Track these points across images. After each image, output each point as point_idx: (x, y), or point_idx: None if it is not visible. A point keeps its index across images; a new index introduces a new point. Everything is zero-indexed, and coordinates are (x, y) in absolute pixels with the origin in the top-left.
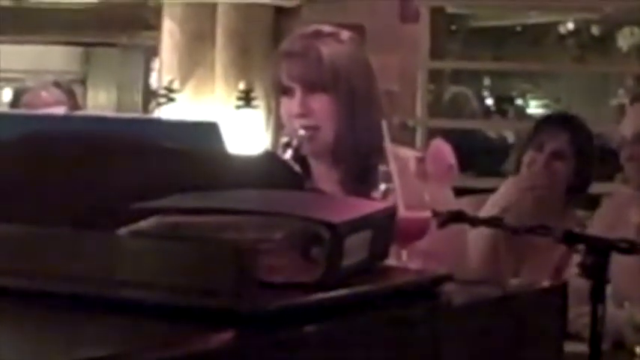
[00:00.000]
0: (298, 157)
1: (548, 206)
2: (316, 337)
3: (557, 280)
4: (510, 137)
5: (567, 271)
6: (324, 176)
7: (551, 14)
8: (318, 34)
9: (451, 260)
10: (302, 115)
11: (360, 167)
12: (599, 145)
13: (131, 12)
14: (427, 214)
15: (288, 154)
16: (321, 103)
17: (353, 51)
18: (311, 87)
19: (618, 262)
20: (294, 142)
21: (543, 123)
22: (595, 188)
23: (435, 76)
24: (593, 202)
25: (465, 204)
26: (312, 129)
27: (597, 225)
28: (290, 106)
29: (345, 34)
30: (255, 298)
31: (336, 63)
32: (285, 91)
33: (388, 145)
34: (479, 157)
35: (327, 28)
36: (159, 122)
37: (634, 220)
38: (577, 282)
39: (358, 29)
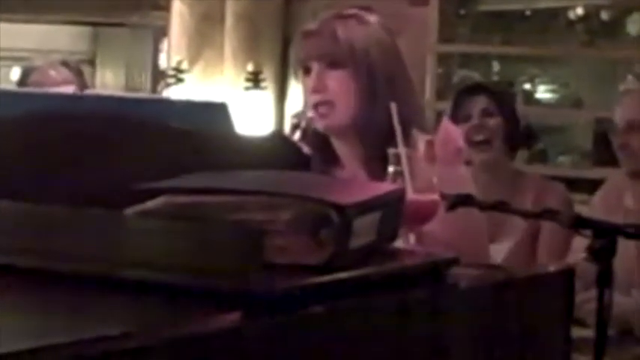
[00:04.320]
0: (320, 138)
1: None
2: (324, 319)
3: (533, 246)
4: None
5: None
6: (348, 157)
7: None
8: (338, 15)
9: (461, 243)
10: (316, 91)
11: (384, 148)
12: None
13: None
14: (435, 197)
15: (296, 136)
16: (336, 79)
17: (375, 32)
18: (327, 63)
19: (621, 248)
20: (303, 124)
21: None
22: (600, 173)
23: (443, 59)
24: (596, 187)
25: None
26: (326, 104)
27: (594, 209)
28: (307, 82)
29: (371, 17)
30: (262, 279)
31: (352, 40)
32: (306, 71)
33: (397, 128)
34: None
35: (350, 10)
36: (167, 102)
37: (627, 204)
38: (584, 267)
39: (366, 11)
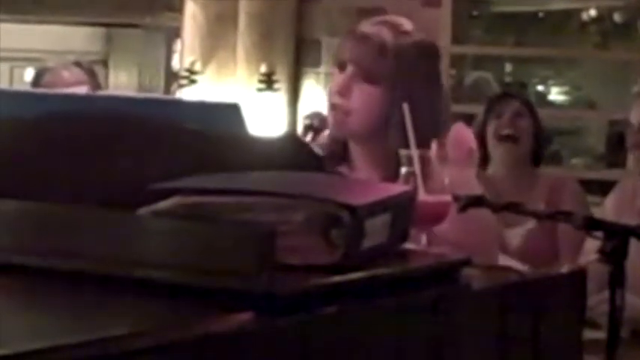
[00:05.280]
0: (336, 141)
1: None
2: (335, 320)
3: (550, 230)
4: None
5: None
6: (362, 160)
7: (574, 1)
8: (394, 26)
9: (473, 244)
10: (340, 93)
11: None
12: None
13: None
14: (447, 198)
15: (309, 137)
16: (365, 93)
17: (422, 52)
18: (363, 73)
19: (633, 250)
20: (315, 124)
21: None
22: (613, 175)
23: (456, 61)
24: (608, 188)
25: None
26: (343, 111)
27: (606, 211)
28: (336, 79)
29: (419, 35)
30: (273, 279)
31: (399, 56)
32: (340, 66)
33: (410, 129)
34: None
35: (405, 25)
36: (180, 103)
37: (639, 205)
38: (596, 268)
39: (379, 13)
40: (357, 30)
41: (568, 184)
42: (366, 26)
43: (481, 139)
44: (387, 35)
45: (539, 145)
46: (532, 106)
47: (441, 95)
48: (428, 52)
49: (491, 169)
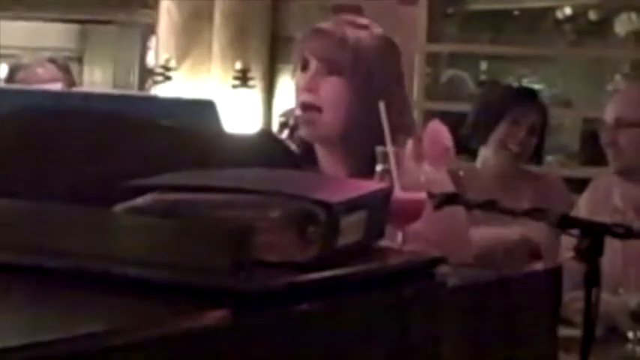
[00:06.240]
0: (304, 144)
1: None
2: (311, 317)
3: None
4: None
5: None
6: (331, 165)
7: None
8: (351, 23)
9: (446, 242)
10: (308, 89)
11: (370, 158)
12: (595, 130)
13: None
14: (423, 195)
15: (284, 134)
16: (332, 85)
17: (382, 44)
18: (327, 66)
19: (609, 248)
20: (291, 122)
21: None
22: (587, 172)
23: (431, 59)
24: (583, 186)
25: None
26: (313, 109)
27: (582, 208)
28: (301, 78)
29: (377, 29)
30: (250, 276)
31: (359, 48)
32: (303, 66)
33: (386, 126)
34: None
35: (362, 20)
36: (155, 100)
37: (615, 203)
38: (571, 266)
39: (356, 11)
40: (316, 27)
41: (554, 184)
42: (326, 24)
43: (486, 126)
44: (346, 30)
45: (538, 154)
46: (547, 116)
47: (404, 93)
48: (386, 46)
49: (481, 163)
